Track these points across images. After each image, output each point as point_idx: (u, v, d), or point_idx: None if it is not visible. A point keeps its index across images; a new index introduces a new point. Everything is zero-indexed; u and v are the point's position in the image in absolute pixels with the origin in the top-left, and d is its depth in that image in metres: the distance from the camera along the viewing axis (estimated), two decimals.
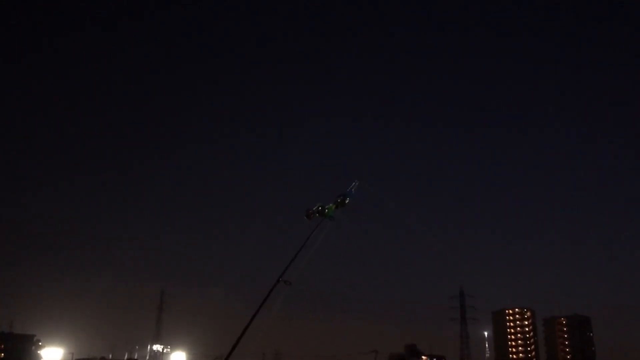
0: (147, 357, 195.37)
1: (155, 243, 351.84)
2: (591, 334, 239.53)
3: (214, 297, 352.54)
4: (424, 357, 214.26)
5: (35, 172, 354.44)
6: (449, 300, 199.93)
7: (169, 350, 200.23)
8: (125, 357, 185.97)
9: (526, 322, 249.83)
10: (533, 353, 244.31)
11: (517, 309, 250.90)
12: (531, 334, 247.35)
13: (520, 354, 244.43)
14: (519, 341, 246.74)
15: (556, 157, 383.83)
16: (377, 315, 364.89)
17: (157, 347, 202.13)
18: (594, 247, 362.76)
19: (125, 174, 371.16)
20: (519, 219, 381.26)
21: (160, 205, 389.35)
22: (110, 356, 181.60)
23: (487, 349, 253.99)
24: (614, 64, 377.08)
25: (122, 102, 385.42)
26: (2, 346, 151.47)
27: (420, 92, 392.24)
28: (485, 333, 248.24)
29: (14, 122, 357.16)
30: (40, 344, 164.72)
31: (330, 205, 8.83)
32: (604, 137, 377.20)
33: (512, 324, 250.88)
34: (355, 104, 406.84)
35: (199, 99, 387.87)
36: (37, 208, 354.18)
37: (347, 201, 8.85)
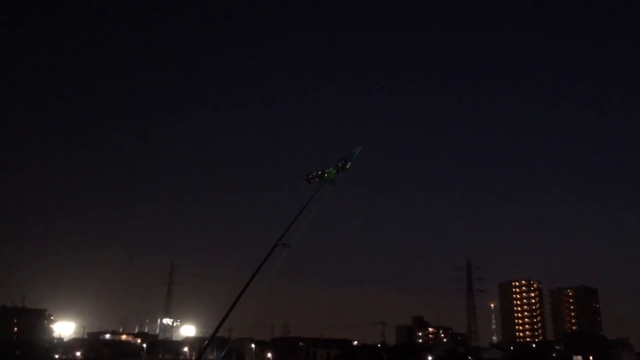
0: (158, 331, 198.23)
1: (165, 217, 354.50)
2: (597, 305, 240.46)
3: (223, 269, 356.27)
4: (430, 329, 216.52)
5: (44, 148, 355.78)
6: (456, 272, 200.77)
7: (178, 323, 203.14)
8: (136, 330, 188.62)
9: (532, 294, 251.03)
10: (539, 324, 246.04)
11: (523, 281, 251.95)
12: (537, 305, 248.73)
13: (527, 325, 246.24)
14: (526, 312, 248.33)
15: (562, 128, 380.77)
16: (385, 287, 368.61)
17: (167, 321, 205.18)
18: (601, 218, 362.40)
19: (133, 149, 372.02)
20: (525, 191, 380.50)
21: (169, 179, 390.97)
22: (121, 329, 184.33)
23: (494, 320, 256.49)
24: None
25: (130, 72, 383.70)
26: (15, 321, 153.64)
27: (423, 60, 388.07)
28: (492, 304, 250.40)
29: (33, 91, 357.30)
30: (52, 318, 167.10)
31: (331, 169, 8.69)
32: (608, 106, 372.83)
33: (518, 296, 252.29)
34: (362, 72, 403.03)
35: (209, 70, 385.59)
36: (46, 186, 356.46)
37: (348, 166, 8.70)
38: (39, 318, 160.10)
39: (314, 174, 8.52)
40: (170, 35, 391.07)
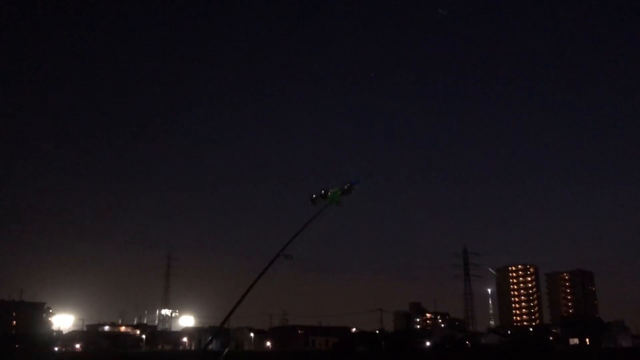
0: (157, 322, 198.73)
1: (161, 209, 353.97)
2: (593, 288, 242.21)
3: (220, 260, 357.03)
4: (428, 315, 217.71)
5: (42, 143, 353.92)
6: (453, 258, 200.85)
7: (177, 314, 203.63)
8: (135, 322, 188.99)
9: (529, 278, 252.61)
10: (536, 308, 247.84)
11: (519, 266, 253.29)
12: (534, 289, 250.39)
13: (524, 309, 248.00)
14: (522, 297, 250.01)
15: (557, 114, 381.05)
16: (382, 274, 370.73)
17: (165, 312, 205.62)
18: (596, 202, 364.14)
19: (129, 143, 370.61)
20: (520, 177, 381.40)
21: (165, 172, 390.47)
22: (120, 321, 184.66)
23: (491, 306, 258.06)
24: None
25: (132, 69, 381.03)
26: (14, 314, 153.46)
27: (419, 54, 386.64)
28: (489, 290, 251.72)
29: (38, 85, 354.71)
30: (50, 311, 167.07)
31: (336, 190, 8.89)
32: (603, 92, 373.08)
33: (515, 280, 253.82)
34: (359, 66, 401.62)
35: (213, 67, 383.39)
36: (43, 180, 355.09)
37: (352, 191, 9.00)
38: (38, 311, 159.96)
39: (319, 194, 8.76)
40: (170, 34, 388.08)
